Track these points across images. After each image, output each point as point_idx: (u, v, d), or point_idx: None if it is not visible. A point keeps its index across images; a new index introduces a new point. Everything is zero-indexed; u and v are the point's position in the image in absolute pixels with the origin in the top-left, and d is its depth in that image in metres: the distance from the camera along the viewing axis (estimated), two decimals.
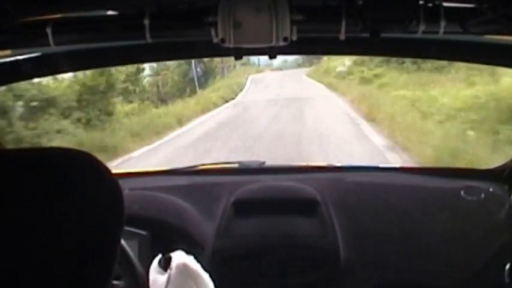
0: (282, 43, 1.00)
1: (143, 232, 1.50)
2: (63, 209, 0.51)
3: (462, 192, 1.67)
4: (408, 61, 12.40)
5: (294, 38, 0.99)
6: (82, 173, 0.54)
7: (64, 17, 1.03)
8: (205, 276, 1.06)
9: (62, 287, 0.50)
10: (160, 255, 1.10)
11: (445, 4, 0.97)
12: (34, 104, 8.80)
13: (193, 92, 18.05)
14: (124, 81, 12.88)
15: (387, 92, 11.33)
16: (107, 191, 0.56)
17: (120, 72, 12.11)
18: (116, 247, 0.57)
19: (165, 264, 1.06)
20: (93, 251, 0.53)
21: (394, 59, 12.02)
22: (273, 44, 1.00)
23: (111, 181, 0.56)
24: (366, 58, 13.61)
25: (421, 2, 0.97)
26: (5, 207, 0.49)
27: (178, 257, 1.06)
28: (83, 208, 0.53)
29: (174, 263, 1.04)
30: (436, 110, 8.36)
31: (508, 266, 1.44)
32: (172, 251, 1.12)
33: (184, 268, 1.03)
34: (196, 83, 19.30)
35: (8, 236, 0.48)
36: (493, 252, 1.57)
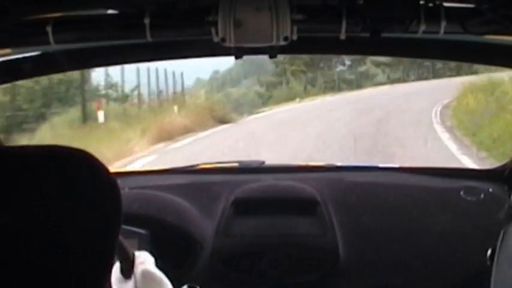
0: (282, 42, 1.00)
1: (143, 231, 1.51)
2: (60, 207, 0.51)
3: (462, 193, 1.66)
4: None
5: (295, 37, 1.00)
6: (79, 171, 0.54)
7: (64, 15, 1.03)
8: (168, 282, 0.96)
9: (59, 286, 0.51)
10: (118, 263, 0.95)
11: (445, 4, 0.98)
12: None
13: None
14: None
15: None
16: (104, 189, 0.56)
17: None
18: (113, 246, 0.57)
19: (126, 272, 0.93)
20: (90, 249, 0.53)
21: None
22: (274, 43, 1.00)
23: (108, 179, 0.56)
24: None
25: (421, 2, 0.97)
26: (0, 205, 0.49)
27: (142, 263, 0.95)
28: (80, 206, 0.53)
29: (138, 270, 0.93)
30: None
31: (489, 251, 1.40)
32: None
33: (149, 275, 0.93)
34: None
35: (3, 233, 0.48)
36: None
